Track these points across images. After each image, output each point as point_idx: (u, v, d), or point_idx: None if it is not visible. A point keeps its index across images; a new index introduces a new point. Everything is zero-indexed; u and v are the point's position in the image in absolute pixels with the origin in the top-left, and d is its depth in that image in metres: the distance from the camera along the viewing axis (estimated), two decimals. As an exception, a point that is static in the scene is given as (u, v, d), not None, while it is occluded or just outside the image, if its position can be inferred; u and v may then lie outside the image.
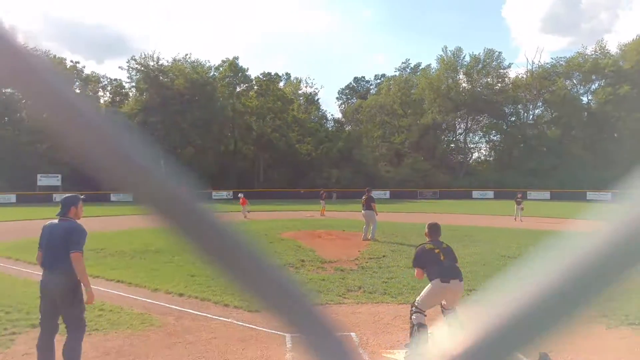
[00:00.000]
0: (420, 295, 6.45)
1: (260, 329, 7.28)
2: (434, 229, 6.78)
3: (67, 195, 6.00)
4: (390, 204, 46.06)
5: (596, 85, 72.58)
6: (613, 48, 75.37)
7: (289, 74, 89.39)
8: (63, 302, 5.50)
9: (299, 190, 62.22)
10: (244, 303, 8.66)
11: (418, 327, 6.24)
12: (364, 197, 18.53)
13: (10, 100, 64.07)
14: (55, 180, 56.28)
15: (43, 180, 56.34)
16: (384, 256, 13.95)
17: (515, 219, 27.86)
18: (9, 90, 64.23)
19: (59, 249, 5.49)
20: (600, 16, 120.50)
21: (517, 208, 28.61)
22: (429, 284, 6.35)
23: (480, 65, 74.89)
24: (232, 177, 69.37)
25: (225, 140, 73.31)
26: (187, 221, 0.31)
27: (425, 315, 6.42)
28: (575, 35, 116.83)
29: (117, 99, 73.32)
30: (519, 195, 29.25)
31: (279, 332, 7.08)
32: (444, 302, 6.47)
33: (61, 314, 5.59)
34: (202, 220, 0.32)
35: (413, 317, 6.33)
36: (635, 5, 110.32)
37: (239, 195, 35.21)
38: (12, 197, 52.85)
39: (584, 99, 73.91)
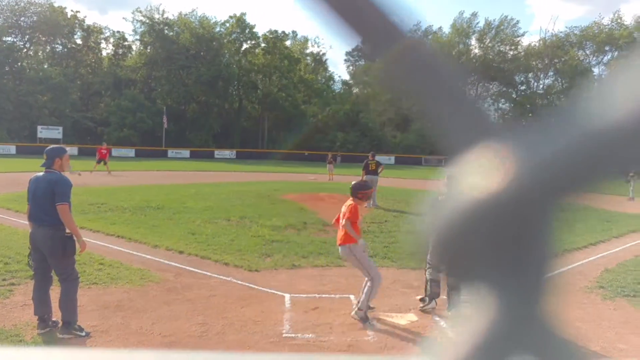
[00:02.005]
0: None
1: (259, 288, 7.37)
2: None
3: (52, 146, 5.91)
4: (395, 169, 45.99)
5: (609, 56, 71.47)
6: (629, 19, 73.92)
7: (296, 32, 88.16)
8: (51, 254, 5.53)
9: (303, 152, 62.14)
10: (244, 262, 8.75)
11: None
12: (371, 162, 18.02)
13: (11, 49, 63.55)
14: (56, 132, 56.19)
15: (44, 133, 56.21)
16: (386, 221, 14.02)
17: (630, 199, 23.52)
18: (9, 39, 63.73)
19: (45, 202, 5.47)
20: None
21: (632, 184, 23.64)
22: None
23: (493, 32, 73.66)
24: (236, 136, 69.27)
25: (229, 98, 72.91)
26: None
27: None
28: (592, 4, 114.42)
29: (120, 51, 72.61)
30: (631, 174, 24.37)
31: (277, 292, 7.18)
32: None
33: (52, 267, 5.64)
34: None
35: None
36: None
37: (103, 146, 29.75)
38: (12, 148, 52.80)
39: (596, 71, 72.94)
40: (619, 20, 71.18)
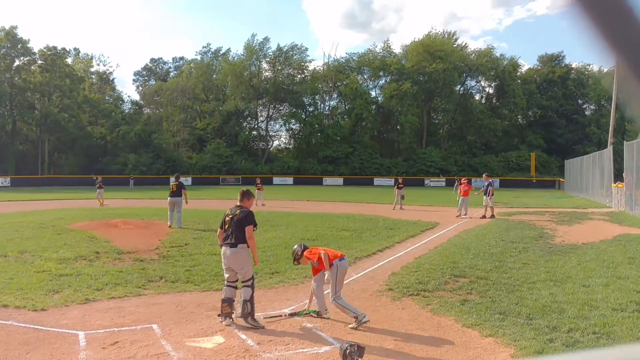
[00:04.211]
0: None
1: (47, 328, 6.62)
2: (239, 195, 7.52)
3: None
4: (192, 190, 45.21)
5: (383, 81, 79.77)
6: (397, 48, 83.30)
7: (78, 49, 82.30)
8: None
9: (91, 176, 57.87)
10: (27, 302, 7.79)
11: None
12: (173, 184, 18.19)
13: None
14: None
15: None
16: (186, 244, 13.68)
17: (394, 207, 26.70)
18: None
19: None
20: (388, 17, 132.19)
21: (397, 195, 27.15)
22: None
23: (283, 57, 76.94)
24: (10, 161, 62.03)
25: (1, 120, 65.05)
26: None
27: (228, 286, 7.08)
28: (368, 33, 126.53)
29: None
30: (400, 182, 27.84)
31: (69, 330, 6.52)
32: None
33: None
34: None
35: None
36: (414, 10, 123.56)
37: None
38: None
39: (373, 93, 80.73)
40: (388, 49, 79.98)
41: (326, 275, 7.19)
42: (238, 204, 7.31)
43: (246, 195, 7.41)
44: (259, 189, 29.14)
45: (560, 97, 78.12)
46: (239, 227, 6.98)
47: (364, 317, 6.73)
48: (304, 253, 7.41)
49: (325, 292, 7.29)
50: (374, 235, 15.81)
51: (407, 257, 12.04)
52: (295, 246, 7.59)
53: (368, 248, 13.16)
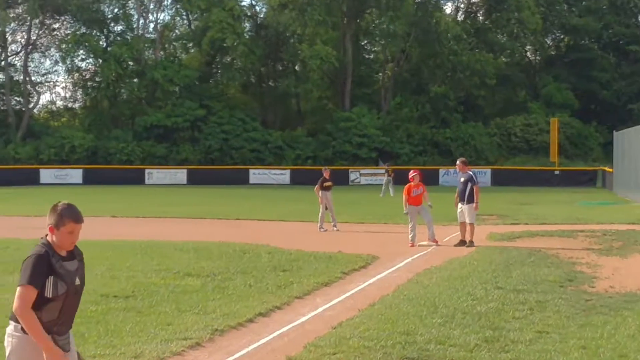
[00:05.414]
0: None
1: None
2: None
3: None
4: None
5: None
6: None
7: None
8: None
9: None
10: None
11: None
12: None
13: None
14: None
15: None
16: None
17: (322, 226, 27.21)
18: None
19: None
20: None
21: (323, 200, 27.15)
22: None
23: None
24: None
25: None
26: None
27: None
28: None
29: None
30: (326, 176, 28.23)
31: None
32: None
33: None
34: None
35: None
36: None
37: None
38: None
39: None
40: None
41: None
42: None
43: (51, 217, 6.62)
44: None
45: (607, 10, 79.78)
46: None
47: None
48: None
49: None
50: (251, 284, 15.70)
51: (315, 325, 12.08)
52: None
53: (238, 311, 13.02)
